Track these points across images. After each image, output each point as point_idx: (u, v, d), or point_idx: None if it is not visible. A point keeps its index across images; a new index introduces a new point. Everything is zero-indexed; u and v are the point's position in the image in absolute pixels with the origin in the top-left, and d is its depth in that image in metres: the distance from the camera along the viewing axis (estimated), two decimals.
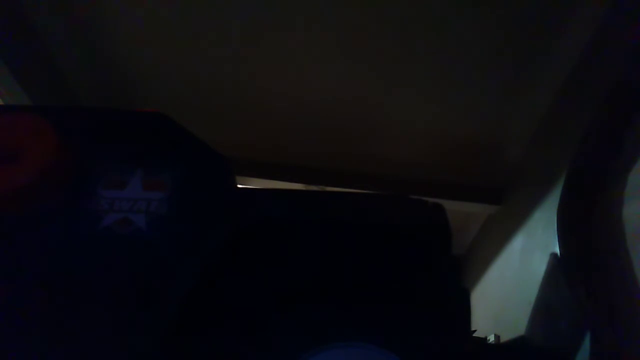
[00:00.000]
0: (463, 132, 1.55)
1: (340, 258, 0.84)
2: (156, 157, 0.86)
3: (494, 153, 1.58)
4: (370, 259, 0.84)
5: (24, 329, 0.74)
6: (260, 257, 0.84)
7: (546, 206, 1.26)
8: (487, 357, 1.02)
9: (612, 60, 1.10)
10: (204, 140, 0.88)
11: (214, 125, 1.54)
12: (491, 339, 1.40)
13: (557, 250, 1.06)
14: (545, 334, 1.12)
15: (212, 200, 0.85)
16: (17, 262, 0.78)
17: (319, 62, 1.40)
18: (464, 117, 1.50)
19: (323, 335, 0.79)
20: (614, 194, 0.97)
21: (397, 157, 1.67)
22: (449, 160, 1.65)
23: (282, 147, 1.67)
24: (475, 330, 0.90)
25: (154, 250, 0.78)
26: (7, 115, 0.88)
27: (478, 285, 1.82)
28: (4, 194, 0.77)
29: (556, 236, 1.06)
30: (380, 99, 1.48)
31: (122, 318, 0.74)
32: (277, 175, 1.66)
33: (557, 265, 1.08)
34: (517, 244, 1.47)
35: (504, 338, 1.34)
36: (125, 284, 0.76)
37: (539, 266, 1.17)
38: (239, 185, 0.96)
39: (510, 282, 1.50)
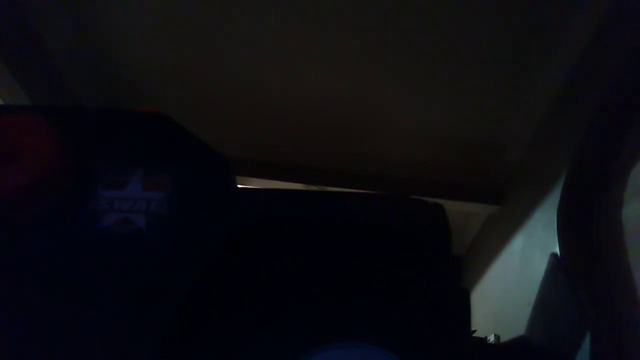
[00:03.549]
0: (463, 132, 1.55)
1: (340, 258, 0.84)
2: (156, 157, 0.86)
3: (494, 153, 1.58)
4: (371, 258, 0.84)
5: (25, 329, 0.74)
6: (260, 257, 0.84)
7: (546, 206, 1.26)
8: (487, 357, 1.02)
9: (612, 61, 1.10)
10: (204, 140, 0.88)
11: (214, 125, 1.54)
12: (491, 339, 1.40)
13: (557, 250, 1.06)
14: (545, 334, 1.12)
15: (212, 200, 0.85)
16: (17, 262, 0.78)
17: (319, 62, 1.39)
18: (464, 117, 1.50)
19: (323, 335, 0.79)
20: (614, 194, 0.97)
21: (397, 157, 1.67)
22: (449, 160, 1.65)
23: (282, 147, 1.67)
24: (475, 330, 0.90)
25: (154, 250, 0.78)
26: (7, 115, 0.88)
27: (478, 285, 1.82)
28: (4, 194, 0.77)
29: (556, 236, 1.06)
30: (380, 99, 1.48)
31: (122, 317, 0.74)
32: (277, 175, 1.66)
33: (557, 265, 1.08)
34: (517, 244, 1.47)
35: (504, 338, 1.34)
36: (125, 284, 0.76)
37: (539, 266, 1.17)
38: (239, 185, 0.96)
39: (510, 282, 1.50)
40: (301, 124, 1.59)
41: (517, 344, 1.18)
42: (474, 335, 0.92)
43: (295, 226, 0.84)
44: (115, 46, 1.44)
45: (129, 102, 1.59)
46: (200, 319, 0.79)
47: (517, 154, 1.54)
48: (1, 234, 0.79)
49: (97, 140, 0.89)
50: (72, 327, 0.74)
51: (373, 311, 0.82)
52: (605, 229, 0.98)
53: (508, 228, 1.54)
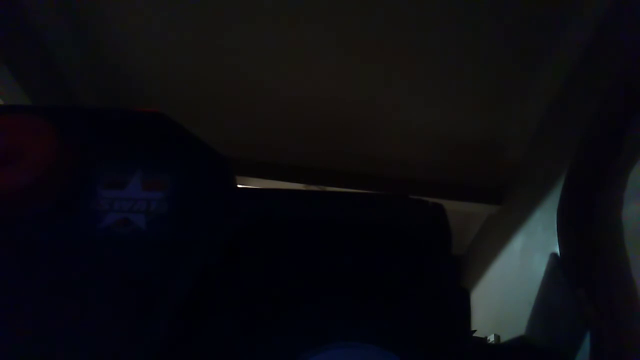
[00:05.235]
0: (463, 132, 1.55)
1: (340, 258, 0.84)
2: (156, 157, 0.86)
3: (493, 153, 1.58)
4: (370, 259, 0.84)
5: (24, 328, 0.74)
6: (260, 257, 0.84)
7: (546, 206, 1.26)
8: (487, 357, 1.02)
9: (611, 61, 1.10)
10: (204, 140, 0.88)
11: (214, 125, 1.54)
12: (491, 339, 1.40)
13: (557, 250, 1.06)
14: (545, 334, 1.12)
15: (212, 200, 0.84)
16: (16, 263, 0.78)
17: (319, 62, 1.40)
18: (464, 117, 1.50)
19: (323, 335, 0.79)
20: (614, 194, 0.97)
21: (397, 157, 1.67)
22: (449, 160, 1.65)
23: (282, 147, 1.67)
24: (475, 330, 0.90)
25: (154, 250, 0.78)
26: (7, 115, 0.88)
27: (478, 285, 1.82)
28: (3, 194, 0.77)
29: (556, 236, 1.06)
30: (380, 99, 1.48)
31: (122, 319, 0.74)
32: (277, 175, 1.66)
33: (557, 265, 1.08)
34: (517, 244, 1.47)
35: (504, 338, 1.34)
36: (125, 285, 0.76)
37: (539, 266, 1.17)
38: (239, 185, 0.96)
39: (510, 282, 1.50)
40: (301, 124, 1.59)
41: (517, 344, 1.18)
42: (474, 335, 0.92)
43: (296, 226, 0.84)
44: (115, 46, 1.44)
45: (128, 102, 1.59)
46: (200, 319, 0.79)
47: (517, 154, 1.54)
48: (0, 233, 0.79)
49: (97, 140, 0.89)
50: (71, 327, 0.74)
51: (373, 311, 0.82)
52: (605, 229, 0.98)
53: (508, 228, 1.54)
